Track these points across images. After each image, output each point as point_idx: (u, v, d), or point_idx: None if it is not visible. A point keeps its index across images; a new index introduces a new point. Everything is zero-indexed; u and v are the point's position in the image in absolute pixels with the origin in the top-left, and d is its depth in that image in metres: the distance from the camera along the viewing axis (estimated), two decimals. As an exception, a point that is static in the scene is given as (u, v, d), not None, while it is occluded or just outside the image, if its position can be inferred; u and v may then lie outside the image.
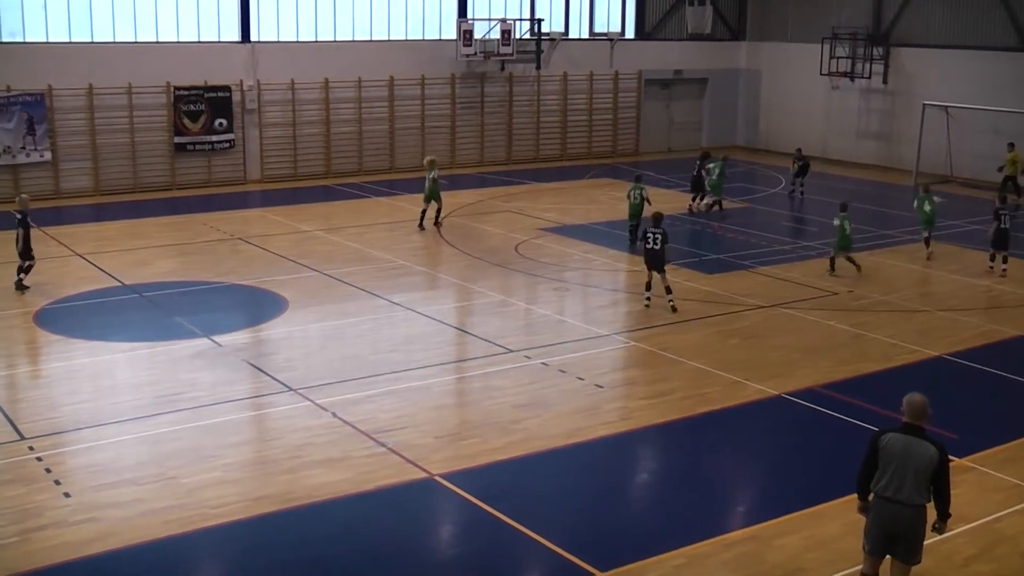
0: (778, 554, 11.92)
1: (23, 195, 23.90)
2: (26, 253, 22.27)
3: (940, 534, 10.43)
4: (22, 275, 22.31)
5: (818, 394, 16.90)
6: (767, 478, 14.49)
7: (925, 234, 26.39)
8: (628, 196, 27.62)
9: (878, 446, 10.11)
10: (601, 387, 17.18)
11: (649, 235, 21.40)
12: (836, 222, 24.27)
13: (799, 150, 35.68)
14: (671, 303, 21.22)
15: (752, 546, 12.12)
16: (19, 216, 22.45)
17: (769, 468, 14.80)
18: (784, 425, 16.10)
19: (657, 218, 21.97)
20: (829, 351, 19.16)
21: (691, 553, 11.91)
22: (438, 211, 29.23)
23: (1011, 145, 35.06)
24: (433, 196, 28.85)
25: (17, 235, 22.18)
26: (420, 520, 12.90)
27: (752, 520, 12.87)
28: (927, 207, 26.31)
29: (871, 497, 10.29)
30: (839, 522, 12.49)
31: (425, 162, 29.94)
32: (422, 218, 29.10)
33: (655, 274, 21.44)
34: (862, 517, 10.50)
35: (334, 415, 15.76)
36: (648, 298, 21.60)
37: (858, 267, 24.07)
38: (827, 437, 15.53)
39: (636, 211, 27.29)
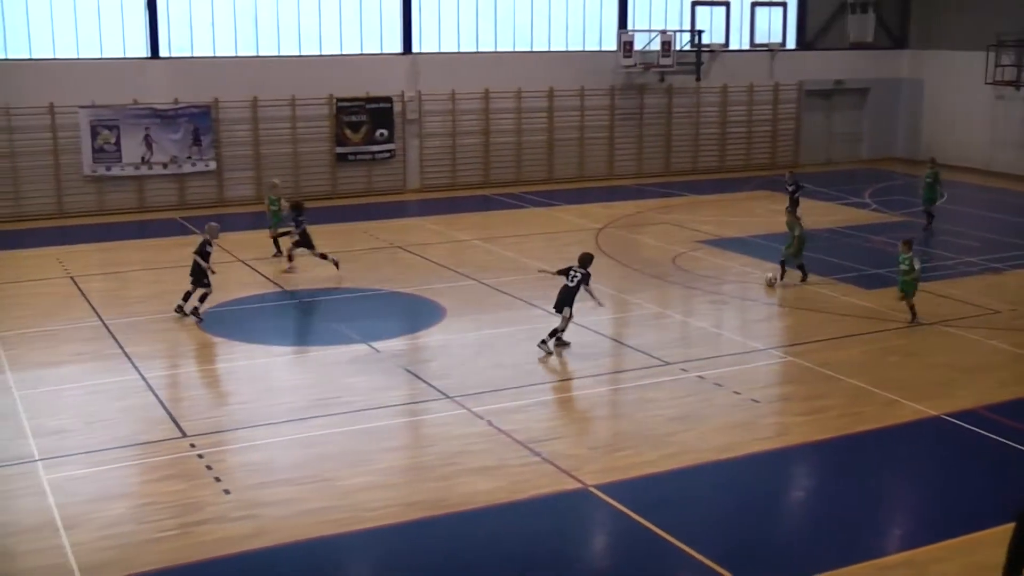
0: (935, 579, 11.55)
1: (212, 223, 22.28)
2: (197, 280, 21.18)
3: None
4: (185, 302, 21.37)
5: (978, 416, 16.36)
6: (924, 501, 14.10)
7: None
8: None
9: None
10: (757, 402, 16.91)
11: (572, 272, 19.43)
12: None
13: (933, 159, 31.95)
14: (544, 344, 19.22)
15: (907, 571, 11.83)
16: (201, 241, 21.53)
17: (927, 491, 14.39)
18: (942, 447, 15.67)
19: (584, 259, 19.66)
20: (989, 371, 18.58)
21: (845, 575, 11.64)
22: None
23: None
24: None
25: (195, 260, 21.22)
26: (574, 530, 12.92)
27: (908, 544, 12.55)
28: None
29: None
30: (999, 550, 11.96)
31: None
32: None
33: (565, 311, 19.30)
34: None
35: (490, 423, 15.80)
36: (544, 342, 19.33)
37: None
38: (987, 461, 15.06)
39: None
